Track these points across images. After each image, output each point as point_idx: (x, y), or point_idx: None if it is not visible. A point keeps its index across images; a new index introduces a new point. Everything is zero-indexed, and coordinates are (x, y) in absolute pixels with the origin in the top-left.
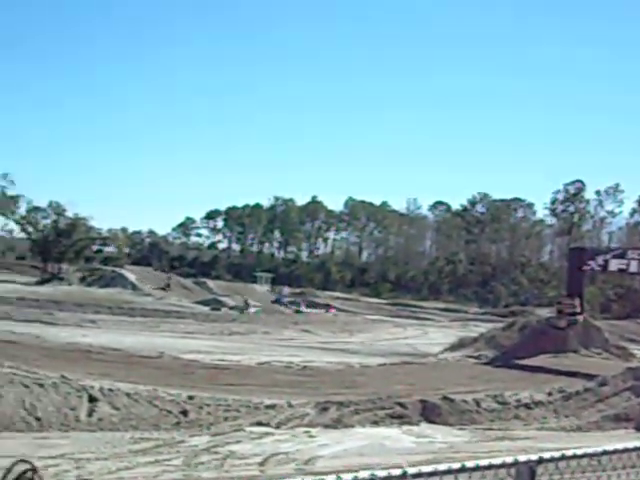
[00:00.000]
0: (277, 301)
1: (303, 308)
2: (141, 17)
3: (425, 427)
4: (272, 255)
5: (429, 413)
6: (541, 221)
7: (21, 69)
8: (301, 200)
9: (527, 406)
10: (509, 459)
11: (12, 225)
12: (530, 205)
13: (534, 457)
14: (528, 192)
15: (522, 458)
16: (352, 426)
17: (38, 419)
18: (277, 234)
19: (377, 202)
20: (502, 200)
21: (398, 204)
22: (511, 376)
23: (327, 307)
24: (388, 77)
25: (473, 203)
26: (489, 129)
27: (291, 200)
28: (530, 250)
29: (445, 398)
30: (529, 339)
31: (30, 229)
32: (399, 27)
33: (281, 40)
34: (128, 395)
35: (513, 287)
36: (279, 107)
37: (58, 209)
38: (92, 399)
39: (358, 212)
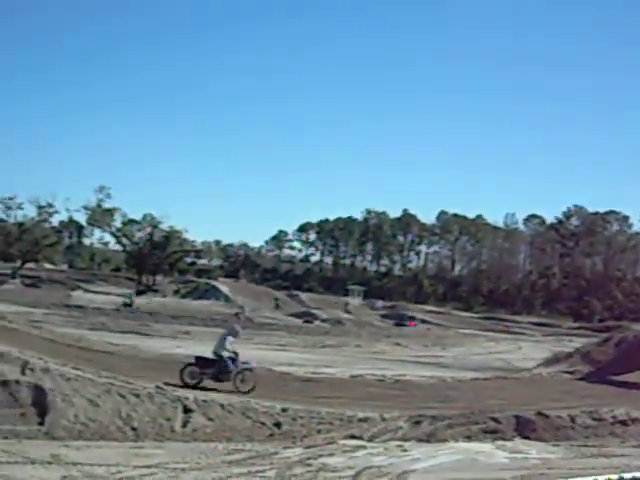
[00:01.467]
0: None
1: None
2: None
3: (519, 442)
4: (364, 268)
5: (523, 428)
6: (637, 234)
7: (138, 83)
8: (394, 213)
9: (623, 423)
10: (614, 477)
11: (108, 237)
12: (626, 218)
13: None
14: (624, 204)
15: (627, 476)
16: (445, 440)
17: (134, 429)
18: (369, 247)
19: (470, 215)
20: (597, 213)
21: (491, 217)
22: (607, 392)
23: (409, 319)
24: (483, 93)
25: (568, 216)
26: (585, 142)
27: (384, 213)
28: (626, 264)
29: (539, 414)
30: (625, 354)
31: (125, 241)
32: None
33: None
34: (222, 406)
35: (608, 301)
36: (371, 120)
37: (153, 222)
38: (187, 410)
39: (451, 225)
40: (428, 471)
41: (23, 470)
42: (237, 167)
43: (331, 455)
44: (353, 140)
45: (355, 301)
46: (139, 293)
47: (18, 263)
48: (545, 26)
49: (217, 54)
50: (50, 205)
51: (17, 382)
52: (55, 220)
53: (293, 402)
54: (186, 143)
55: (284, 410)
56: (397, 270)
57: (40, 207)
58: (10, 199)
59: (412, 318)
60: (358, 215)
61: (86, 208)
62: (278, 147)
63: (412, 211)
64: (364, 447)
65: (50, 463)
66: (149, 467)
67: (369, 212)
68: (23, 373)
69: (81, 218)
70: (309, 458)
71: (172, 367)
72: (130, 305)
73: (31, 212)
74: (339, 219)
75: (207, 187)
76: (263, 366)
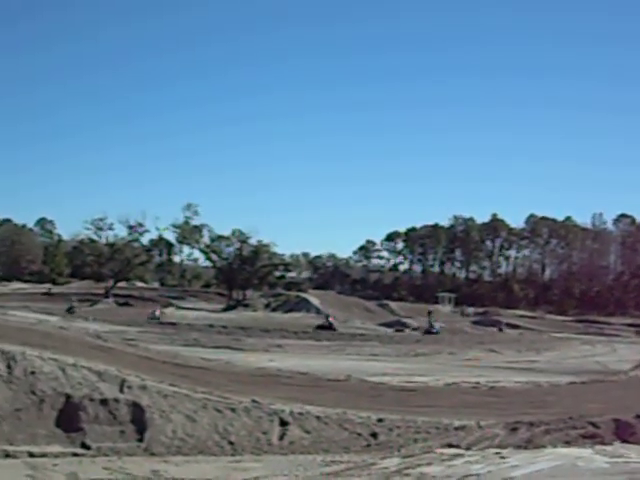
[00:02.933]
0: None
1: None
2: None
3: (619, 447)
4: (454, 275)
5: (622, 432)
6: None
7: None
8: (481, 218)
9: None
10: None
11: (197, 254)
12: None
13: None
14: None
15: None
16: (543, 446)
17: (231, 443)
18: (458, 254)
19: (559, 217)
20: None
21: (581, 218)
22: None
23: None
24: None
25: None
26: None
27: (471, 219)
28: None
29: (638, 417)
30: None
31: (215, 257)
32: None
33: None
34: (318, 418)
35: None
36: (456, 129)
37: (241, 237)
38: (283, 423)
39: (540, 228)
40: (528, 478)
41: None
42: (321, 178)
43: (429, 464)
44: (437, 147)
45: (446, 308)
46: (229, 308)
47: (110, 283)
48: None
49: (295, 58)
50: (140, 224)
51: (116, 400)
52: (145, 239)
53: (389, 412)
54: (272, 151)
55: (380, 420)
56: (487, 276)
57: (130, 227)
58: (101, 220)
59: (498, 322)
60: (445, 222)
61: (175, 226)
62: (364, 156)
63: (500, 216)
64: (462, 455)
65: (150, 479)
66: None
67: (456, 218)
68: (121, 391)
69: (170, 236)
70: (407, 468)
71: (266, 381)
72: (157, 318)
73: (122, 232)
74: (425, 227)
75: (293, 199)
76: (357, 376)
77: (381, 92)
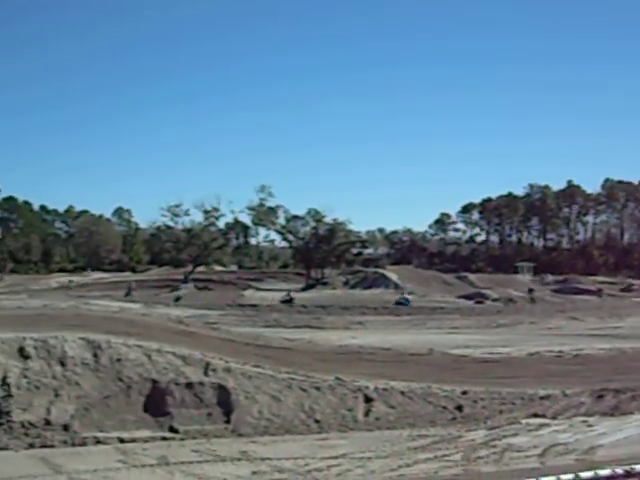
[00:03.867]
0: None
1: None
2: None
3: None
4: (531, 244)
5: None
6: None
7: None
8: (557, 186)
9: None
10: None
11: (273, 235)
12: None
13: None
14: None
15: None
16: (631, 413)
17: (317, 421)
18: (535, 222)
19: (635, 181)
20: None
21: None
22: None
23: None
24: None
25: None
26: None
27: (547, 187)
28: None
29: None
30: None
31: (291, 238)
32: None
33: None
34: (402, 393)
35: None
36: (529, 89)
37: (316, 216)
38: (368, 399)
39: (616, 193)
40: (615, 445)
41: (214, 468)
42: (396, 153)
43: (515, 435)
44: (511, 113)
45: (525, 277)
46: (308, 288)
47: (189, 268)
48: None
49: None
50: (215, 209)
51: (201, 383)
52: (221, 223)
53: (472, 384)
54: (345, 130)
55: (464, 393)
56: (565, 243)
57: (206, 212)
58: (176, 206)
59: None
60: (520, 191)
61: (250, 208)
62: (436, 132)
63: (575, 182)
64: (548, 425)
65: (239, 459)
66: (335, 458)
67: (532, 187)
68: (206, 374)
69: (246, 219)
70: (493, 439)
71: (349, 358)
72: (290, 301)
73: (198, 217)
74: (501, 197)
75: (367, 175)
76: (439, 350)
77: (459, 72)
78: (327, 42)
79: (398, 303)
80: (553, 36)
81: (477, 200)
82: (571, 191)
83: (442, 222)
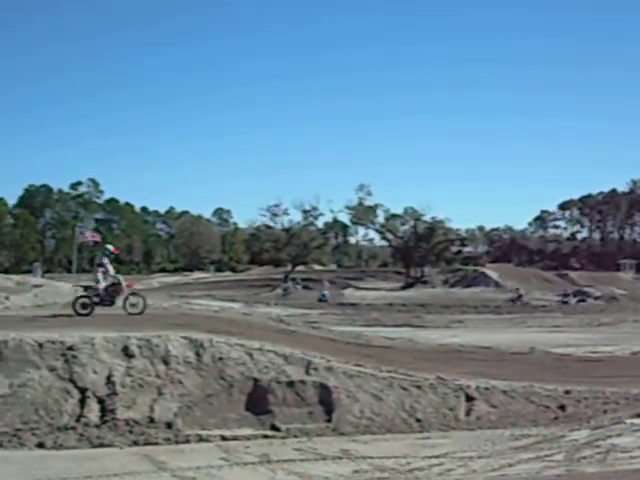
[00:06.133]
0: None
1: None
2: None
3: None
4: (634, 241)
5: None
6: None
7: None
8: None
9: None
10: None
11: (372, 234)
12: None
13: None
14: None
15: None
16: None
17: (418, 420)
18: (638, 219)
19: None
20: None
21: None
22: None
23: None
24: None
25: None
26: None
27: None
28: None
29: None
30: None
31: (390, 236)
32: None
33: None
34: (504, 392)
35: None
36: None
37: (415, 214)
38: (469, 398)
39: None
40: None
41: (315, 466)
42: (493, 150)
43: (619, 435)
44: (610, 109)
45: (628, 275)
46: (408, 286)
47: (289, 267)
48: None
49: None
50: (315, 208)
51: (302, 382)
52: (320, 222)
53: (575, 384)
54: (440, 126)
55: (567, 392)
56: None
57: (305, 211)
58: (276, 206)
59: None
60: (623, 187)
61: (349, 208)
62: (535, 130)
63: None
64: None
65: (340, 458)
66: (437, 457)
67: (635, 182)
68: (307, 373)
69: (345, 218)
70: (597, 439)
71: (450, 357)
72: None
73: (297, 217)
74: (602, 193)
75: (466, 172)
76: (540, 349)
77: (569, 74)
78: None
79: (319, 300)
80: None
81: (576, 196)
82: None
83: (542, 219)
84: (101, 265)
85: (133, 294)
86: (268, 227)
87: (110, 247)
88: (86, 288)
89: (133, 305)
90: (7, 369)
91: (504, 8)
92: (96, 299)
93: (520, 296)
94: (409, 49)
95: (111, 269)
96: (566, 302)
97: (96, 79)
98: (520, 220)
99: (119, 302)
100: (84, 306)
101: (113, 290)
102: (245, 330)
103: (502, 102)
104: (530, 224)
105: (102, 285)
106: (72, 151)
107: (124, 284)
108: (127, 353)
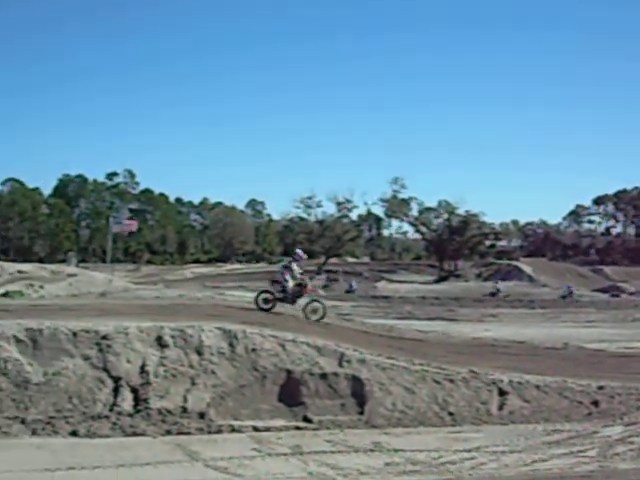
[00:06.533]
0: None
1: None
2: None
3: None
4: None
5: None
6: None
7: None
8: None
9: None
10: None
11: (406, 227)
12: None
13: None
14: None
15: None
16: None
17: (451, 414)
18: None
19: None
20: None
21: None
22: None
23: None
24: None
25: None
26: None
27: None
28: None
29: None
30: None
31: (424, 229)
32: None
33: None
34: (537, 387)
35: None
36: None
37: (449, 208)
38: (502, 392)
39: None
40: None
41: (347, 458)
42: (530, 143)
43: None
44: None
45: None
46: (441, 280)
47: (322, 259)
48: None
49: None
50: (348, 201)
51: (335, 374)
52: (354, 215)
53: (609, 379)
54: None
55: (601, 388)
56: None
57: (339, 203)
58: (309, 198)
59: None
60: None
61: (383, 200)
62: (570, 122)
63: None
64: None
65: (372, 451)
66: (469, 451)
67: None
68: (340, 365)
69: (379, 210)
70: (630, 436)
71: (483, 350)
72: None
73: (330, 209)
74: (637, 188)
75: (501, 166)
76: (574, 344)
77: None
78: None
79: (347, 292)
80: None
81: (612, 191)
82: None
83: (577, 214)
84: (288, 268)
85: (315, 300)
86: (302, 219)
87: (300, 252)
88: (273, 282)
89: (314, 311)
90: (42, 357)
91: None
92: (280, 295)
93: (571, 292)
94: (446, 35)
95: (297, 270)
96: (617, 295)
97: (134, 79)
98: (554, 214)
99: (301, 302)
100: (266, 301)
101: (298, 290)
102: (278, 322)
103: (538, 93)
104: (564, 218)
105: (291, 283)
106: (108, 144)
107: (310, 286)
108: (161, 343)
